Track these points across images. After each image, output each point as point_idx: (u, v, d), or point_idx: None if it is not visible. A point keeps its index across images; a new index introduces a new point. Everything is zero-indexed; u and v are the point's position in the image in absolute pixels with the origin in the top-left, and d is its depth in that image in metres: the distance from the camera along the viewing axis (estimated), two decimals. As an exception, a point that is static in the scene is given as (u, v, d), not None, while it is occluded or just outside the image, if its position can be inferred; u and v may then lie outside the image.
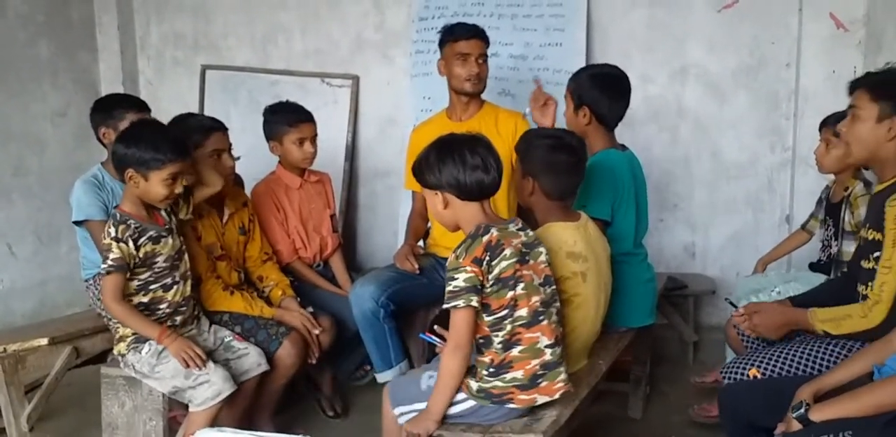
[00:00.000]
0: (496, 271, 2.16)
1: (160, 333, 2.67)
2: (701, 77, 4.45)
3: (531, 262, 2.25)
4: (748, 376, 2.45)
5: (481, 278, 2.16)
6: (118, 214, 2.66)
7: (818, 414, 1.94)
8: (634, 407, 3.48)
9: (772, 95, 4.36)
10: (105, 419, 2.85)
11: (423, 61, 4.59)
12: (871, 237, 2.39)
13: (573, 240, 2.55)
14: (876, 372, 2.10)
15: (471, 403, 2.26)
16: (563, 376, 2.28)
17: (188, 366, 2.66)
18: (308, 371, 3.49)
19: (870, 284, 2.33)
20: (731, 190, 4.50)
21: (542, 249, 2.32)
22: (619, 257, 2.97)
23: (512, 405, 2.24)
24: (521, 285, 2.19)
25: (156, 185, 2.65)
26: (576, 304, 2.52)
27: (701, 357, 4.08)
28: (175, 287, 2.75)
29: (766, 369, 2.45)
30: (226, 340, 2.93)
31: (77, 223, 3.20)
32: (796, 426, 1.97)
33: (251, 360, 2.92)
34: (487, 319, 2.20)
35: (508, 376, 2.21)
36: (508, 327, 2.19)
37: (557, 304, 2.33)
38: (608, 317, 2.80)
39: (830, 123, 3.15)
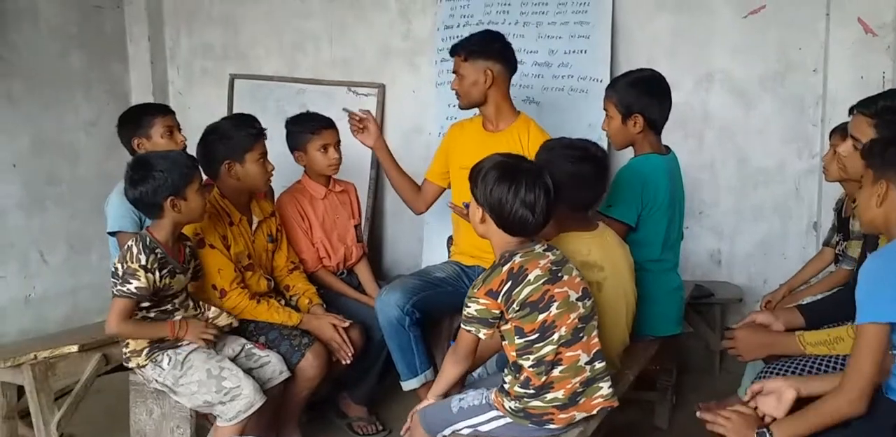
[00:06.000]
0: (521, 297, 2.17)
1: (171, 328, 2.69)
2: (727, 83, 4.42)
3: (565, 278, 2.24)
4: None
5: (497, 310, 2.19)
6: (149, 240, 2.66)
7: (782, 432, 2.02)
8: (661, 417, 3.48)
9: (798, 101, 4.32)
10: (133, 426, 2.90)
11: (448, 69, 4.58)
12: None
13: (587, 249, 2.55)
14: (886, 391, 2.10)
15: (506, 420, 2.27)
16: (603, 391, 2.28)
17: (208, 346, 2.75)
18: (335, 398, 3.57)
19: None
20: (757, 197, 4.46)
21: (572, 264, 2.31)
22: (645, 265, 2.96)
23: (552, 426, 2.24)
24: (555, 304, 2.19)
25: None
26: (594, 314, 2.53)
27: (727, 366, 4.04)
28: (175, 314, 2.77)
29: None
30: (246, 347, 2.95)
31: (110, 233, 3.25)
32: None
33: (273, 368, 2.93)
34: (518, 342, 2.20)
35: (549, 396, 2.21)
36: (548, 349, 2.19)
37: (596, 317, 2.32)
38: (635, 326, 2.79)
39: (840, 131, 3.10)
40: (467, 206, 3.21)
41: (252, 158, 3.09)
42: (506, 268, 2.19)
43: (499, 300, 2.17)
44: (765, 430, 2.04)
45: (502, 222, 2.23)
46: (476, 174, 2.28)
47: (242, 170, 3.09)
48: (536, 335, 2.18)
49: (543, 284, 2.19)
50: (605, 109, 3.08)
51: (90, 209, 4.61)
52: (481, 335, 2.23)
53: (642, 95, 3.00)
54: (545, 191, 2.21)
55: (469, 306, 2.22)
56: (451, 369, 2.40)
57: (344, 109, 3.54)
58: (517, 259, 2.20)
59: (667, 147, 3.15)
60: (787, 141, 4.36)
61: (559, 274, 2.23)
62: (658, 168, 3.02)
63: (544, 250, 2.27)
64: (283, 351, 3.02)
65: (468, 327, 2.24)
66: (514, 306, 2.17)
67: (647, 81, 3.06)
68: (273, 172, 3.22)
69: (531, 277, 2.18)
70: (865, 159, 2.08)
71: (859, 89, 3.97)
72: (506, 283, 2.17)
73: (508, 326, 2.21)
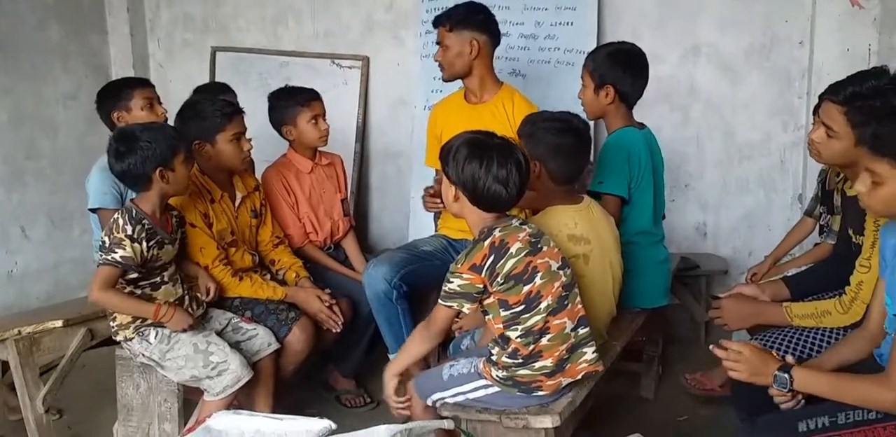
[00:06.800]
0: (505, 269, 2.18)
1: (155, 310, 2.65)
2: (713, 56, 4.42)
3: (544, 249, 2.26)
4: None
5: (481, 284, 2.19)
6: (134, 211, 2.62)
7: (800, 386, 1.96)
8: (647, 387, 3.50)
9: (784, 74, 4.32)
10: (120, 400, 2.89)
11: (432, 42, 4.55)
12: (859, 242, 2.41)
13: (573, 222, 2.56)
14: (877, 358, 2.12)
15: (495, 389, 2.28)
16: (587, 355, 2.30)
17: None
18: (322, 372, 3.56)
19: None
20: (743, 170, 4.47)
21: (548, 236, 2.33)
22: (635, 238, 2.99)
23: (541, 393, 2.26)
24: (539, 274, 2.20)
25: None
26: (581, 286, 2.53)
27: (713, 337, 4.07)
28: (164, 287, 2.72)
29: (786, 351, 2.43)
30: (233, 321, 2.94)
31: (91, 210, 3.21)
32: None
33: (261, 340, 2.92)
34: (504, 314, 2.21)
35: (538, 364, 2.23)
36: (536, 319, 2.20)
37: (577, 285, 2.34)
38: (622, 298, 2.80)
39: None
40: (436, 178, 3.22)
41: (224, 138, 3.03)
42: (487, 242, 2.19)
43: (482, 274, 2.18)
44: (786, 376, 1.97)
45: (476, 198, 2.24)
46: (446, 153, 2.28)
47: (213, 150, 3.03)
48: (522, 306, 2.20)
49: (525, 255, 2.20)
50: (581, 77, 3.08)
51: (71, 184, 4.56)
52: (465, 309, 2.23)
53: (617, 67, 3.00)
54: (517, 165, 2.22)
55: (451, 282, 2.21)
56: (419, 345, 2.39)
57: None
58: (497, 233, 2.21)
59: (641, 124, 3.14)
60: (772, 114, 4.37)
61: (538, 245, 2.25)
62: (637, 140, 3.03)
63: (521, 224, 2.29)
64: (269, 325, 3.01)
65: (448, 303, 2.23)
66: (499, 279, 2.18)
67: (624, 54, 3.05)
68: (250, 151, 3.14)
69: (513, 250, 2.19)
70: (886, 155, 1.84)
71: (845, 62, 4.00)
72: (489, 257, 2.18)
73: (491, 300, 2.22)
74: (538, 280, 2.20)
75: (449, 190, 2.29)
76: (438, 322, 2.31)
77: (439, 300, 2.26)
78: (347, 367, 3.55)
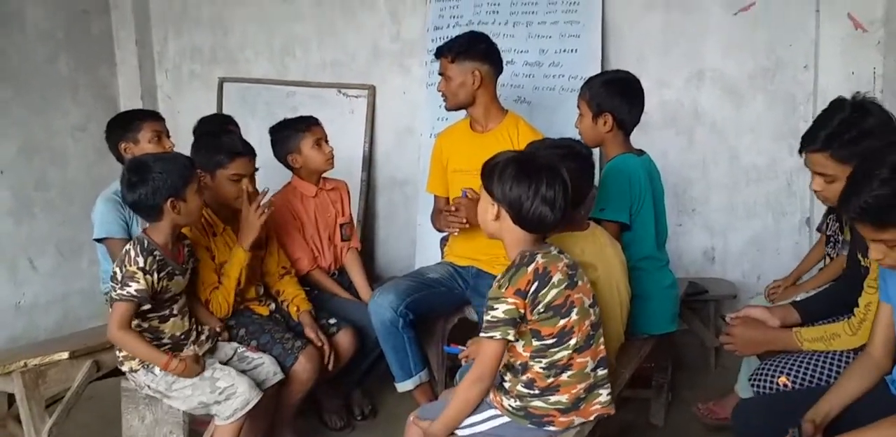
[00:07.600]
0: (546, 299, 2.12)
1: (166, 362, 2.64)
2: (717, 81, 4.42)
3: (580, 283, 2.22)
4: (778, 384, 2.43)
5: (523, 310, 2.12)
6: (146, 241, 2.63)
7: None
8: (657, 414, 3.46)
9: (789, 98, 4.32)
10: (126, 432, 2.87)
11: (438, 70, 4.60)
12: (867, 264, 2.38)
13: (580, 249, 2.53)
14: (890, 385, 2.09)
15: (504, 419, 2.23)
16: (601, 397, 2.25)
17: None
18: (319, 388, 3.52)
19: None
20: (750, 193, 4.46)
21: (582, 270, 2.28)
22: (639, 263, 2.97)
23: (552, 428, 2.21)
24: (575, 310, 2.16)
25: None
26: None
27: (722, 363, 4.04)
28: (172, 320, 2.73)
29: (796, 376, 2.42)
30: (239, 350, 2.93)
31: (98, 240, 3.22)
32: None
33: (266, 369, 2.91)
34: (535, 344, 2.16)
35: (553, 398, 2.19)
36: (563, 354, 2.16)
37: (601, 325, 2.30)
38: (629, 324, 2.78)
39: None
40: (465, 195, 3.21)
41: (223, 175, 3.04)
42: (531, 268, 2.13)
43: (526, 300, 2.11)
44: None
45: (520, 219, 2.17)
46: (491, 171, 2.20)
47: (212, 183, 3.04)
48: (554, 340, 2.14)
49: (565, 288, 2.15)
50: (578, 106, 3.09)
51: (80, 215, 4.57)
52: (510, 337, 2.12)
53: (614, 95, 3.01)
54: (563, 187, 2.17)
55: (495, 309, 2.11)
56: (469, 392, 2.21)
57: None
58: (540, 260, 2.14)
59: (640, 150, 3.15)
60: (778, 137, 4.36)
61: (575, 279, 2.20)
62: (636, 166, 3.03)
63: (558, 252, 2.23)
64: (275, 355, 2.99)
65: (492, 333, 2.11)
66: (540, 307, 2.12)
67: (620, 82, 3.07)
68: (247, 192, 3.10)
69: (555, 280, 2.13)
70: None
71: (850, 85, 4.00)
72: (532, 283, 2.12)
73: (524, 329, 2.16)
74: (574, 316, 2.15)
75: (490, 209, 2.21)
76: (489, 361, 2.15)
77: (482, 335, 2.14)
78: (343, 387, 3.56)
